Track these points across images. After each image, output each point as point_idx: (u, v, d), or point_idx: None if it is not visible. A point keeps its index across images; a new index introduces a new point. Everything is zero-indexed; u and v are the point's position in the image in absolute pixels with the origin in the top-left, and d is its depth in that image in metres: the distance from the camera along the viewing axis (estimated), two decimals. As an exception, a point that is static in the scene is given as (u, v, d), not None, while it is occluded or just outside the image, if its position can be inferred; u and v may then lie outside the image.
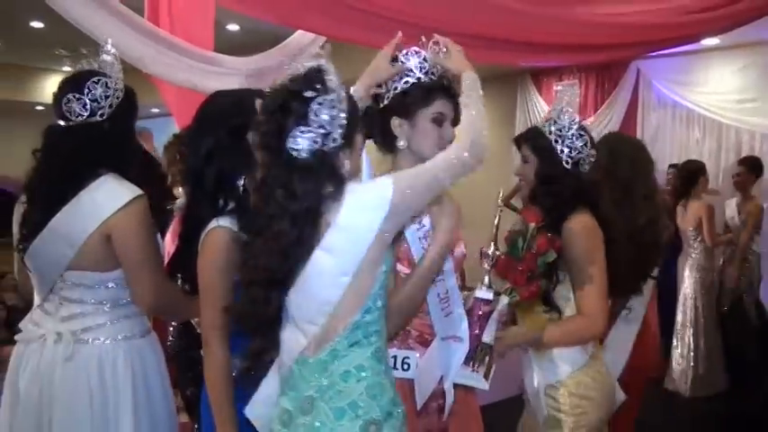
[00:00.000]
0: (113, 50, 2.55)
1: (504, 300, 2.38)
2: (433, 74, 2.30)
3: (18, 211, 2.55)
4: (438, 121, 2.28)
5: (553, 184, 2.58)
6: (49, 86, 13.13)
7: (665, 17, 5.47)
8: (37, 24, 9.46)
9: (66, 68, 12.90)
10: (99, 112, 2.41)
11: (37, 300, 2.54)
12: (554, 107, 2.63)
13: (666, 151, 8.55)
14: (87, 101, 2.39)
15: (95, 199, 2.39)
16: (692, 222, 6.14)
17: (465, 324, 2.35)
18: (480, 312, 2.34)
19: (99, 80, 2.42)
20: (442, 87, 2.29)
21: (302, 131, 1.79)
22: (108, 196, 2.40)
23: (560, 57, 6.20)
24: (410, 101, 2.28)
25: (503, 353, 2.47)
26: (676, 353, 6.30)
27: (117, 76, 2.48)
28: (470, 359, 2.34)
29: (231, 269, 2.15)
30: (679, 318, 6.31)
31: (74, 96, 2.39)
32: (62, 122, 2.44)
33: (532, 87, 9.46)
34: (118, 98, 2.46)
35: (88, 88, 2.39)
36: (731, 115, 8.16)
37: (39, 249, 2.42)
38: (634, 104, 8.86)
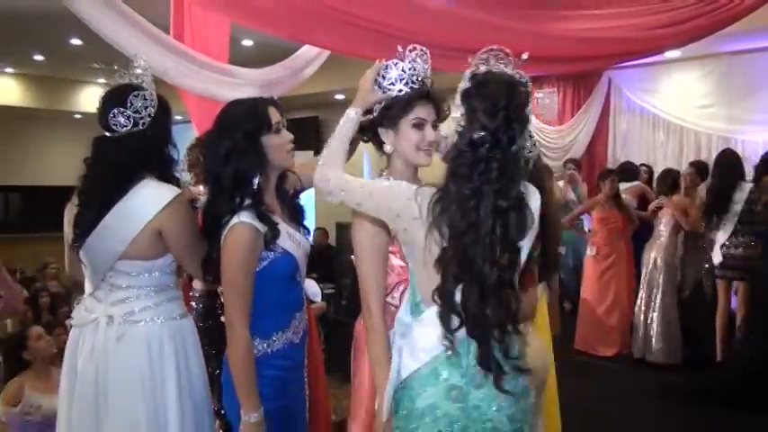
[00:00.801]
0: (144, 63, 2.56)
1: None
2: (413, 81, 2.27)
3: (70, 212, 2.58)
4: (418, 125, 2.25)
5: None
6: (84, 97, 13.14)
7: (632, 32, 5.46)
8: (76, 41, 9.43)
9: (101, 80, 12.91)
10: (141, 122, 2.45)
11: (89, 288, 2.57)
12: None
13: (635, 151, 8.63)
14: (130, 113, 2.43)
15: (142, 199, 2.44)
16: (668, 215, 6.36)
17: None
18: None
19: (138, 93, 2.44)
20: (420, 94, 2.26)
21: None
22: (153, 196, 2.44)
23: (540, 68, 6.18)
24: (393, 113, 2.26)
25: None
26: (639, 322, 6.46)
27: (151, 87, 2.51)
28: None
29: (253, 260, 2.30)
30: (642, 294, 6.46)
31: (118, 111, 2.42)
32: (108, 133, 2.47)
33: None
34: (154, 107, 2.48)
35: (130, 102, 2.42)
36: (691, 120, 8.20)
37: (93, 245, 2.46)
38: (606, 110, 8.88)
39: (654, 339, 6.32)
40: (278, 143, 2.42)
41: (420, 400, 1.97)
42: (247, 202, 2.32)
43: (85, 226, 2.46)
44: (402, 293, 2.29)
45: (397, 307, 2.27)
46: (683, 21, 5.39)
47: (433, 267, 1.94)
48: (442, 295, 1.92)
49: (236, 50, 4.86)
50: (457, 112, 2.03)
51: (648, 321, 6.38)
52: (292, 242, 2.43)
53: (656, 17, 5.44)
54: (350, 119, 2.27)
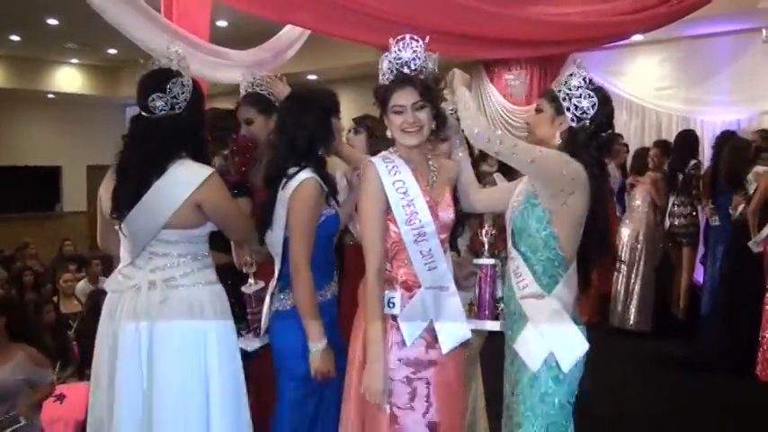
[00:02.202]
0: (178, 50, 2.65)
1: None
2: (397, 70, 2.43)
3: (107, 186, 2.71)
4: (397, 111, 2.42)
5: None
6: (59, 77, 12.96)
7: (598, 17, 5.57)
8: (52, 21, 9.30)
9: (75, 60, 12.76)
10: (177, 107, 2.54)
11: (127, 257, 2.67)
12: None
13: (599, 131, 8.75)
14: (168, 98, 2.52)
15: (181, 177, 2.54)
16: (646, 190, 6.61)
17: (451, 276, 2.49)
18: (489, 275, 2.62)
19: (177, 80, 2.54)
20: (395, 82, 2.42)
21: None
22: (191, 174, 2.55)
23: (512, 51, 6.29)
24: (380, 101, 2.47)
25: None
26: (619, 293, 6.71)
27: (188, 74, 2.60)
28: (485, 313, 2.62)
29: (318, 212, 2.65)
30: (624, 267, 6.69)
31: (158, 95, 2.51)
32: (145, 114, 2.56)
33: (485, 77, 9.51)
34: (190, 93, 2.58)
35: (169, 88, 2.52)
36: (652, 101, 8.43)
37: (135, 219, 2.55)
38: None
39: (633, 309, 6.58)
40: (339, 128, 2.80)
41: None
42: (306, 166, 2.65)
43: (125, 201, 2.55)
44: (396, 255, 2.48)
45: (389, 271, 2.48)
46: (647, 8, 5.52)
47: (580, 226, 2.42)
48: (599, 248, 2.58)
49: (212, 31, 4.88)
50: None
51: (630, 291, 6.61)
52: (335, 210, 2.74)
53: (621, 3, 5.57)
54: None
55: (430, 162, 2.54)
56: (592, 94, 2.41)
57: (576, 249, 2.45)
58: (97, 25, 9.19)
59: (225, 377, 2.60)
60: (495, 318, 2.66)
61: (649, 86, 8.42)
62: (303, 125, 2.64)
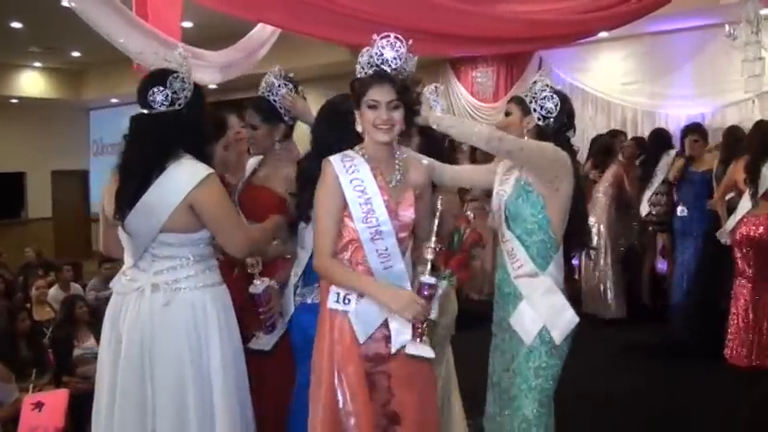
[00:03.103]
0: (183, 51, 2.64)
1: (445, 283, 2.48)
2: (377, 66, 2.43)
3: (109, 189, 2.64)
4: (372, 106, 2.41)
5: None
6: (23, 81, 12.75)
7: (566, 14, 5.65)
8: (16, 24, 9.14)
9: (38, 64, 12.56)
10: (177, 102, 2.51)
11: (130, 260, 2.63)
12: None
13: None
14: (168, 92, 2.49)
15: (178, 176, 2.49)
16: (609, 181, 6.71)
17: (408, 276, 2.47)
18: (426, 294, 2.41)
19: (177, 76, 2.52)
20: (373, 78, 2.42)
21: None
22: (188, 173, 2.50)
23: (481, 48, 6.34)
24: (355, 95, 2.46)
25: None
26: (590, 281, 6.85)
27: (189, 74, 2.57)
28: (417, 334, 2.42)
29: None
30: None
31: (158, 89, 2.48)
32: (145, 111, 2.53)
33: (452, 74, 9.56)
34: (191, 91, 2.56)
35: (170, 82, 2.49)
36: (618, 96, 8.56)
37: (134, 220, 2.52)
38: None
39: (610, 299, 6.70)
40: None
41: None
42: None
43: (126, 201, 2.53)
44: (353, 253, 2.47)
45: (349, 262, 2.48)
46: (607, 6, 5.62)
47: (567, 210, 2.66)
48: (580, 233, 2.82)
49: (177, 32, 4.90)
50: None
51: (599, 281, 6.75)
52: None
53: (582, 2, 5.67)
54: None
55: (397, 161, 2.53)
56: (554, 96, 2.73)
57: (563, 229, 2.69)
58: (61, 28, 9.13)
59: (228, 379, 2.58)
60: (422, 340, 2.49)
61: (614, 82, 8.53)
62: (340, 140, 2.57)
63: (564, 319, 2.65)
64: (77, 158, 15.13)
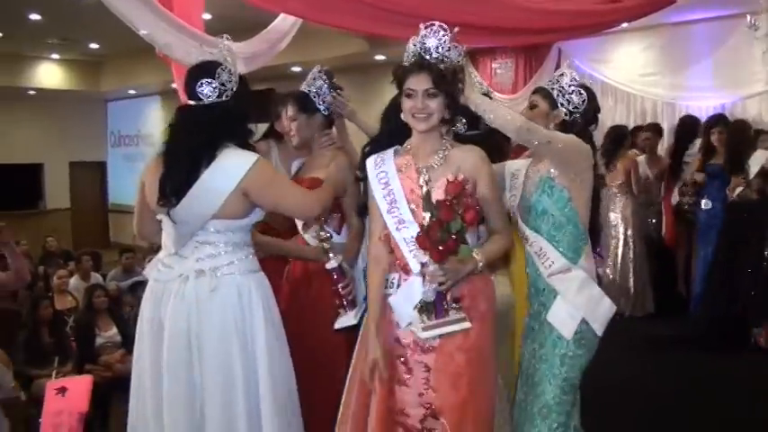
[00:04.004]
0: (227, 43, 2.71)
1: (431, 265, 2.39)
2: (419, 55, 2.47)
3: (151, 175, 2.67)
4: (409, 95, 2.47)
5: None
6: (41, 72, 12.86)
7: (587, 5, 5.65)
8: (34, 16, 9.23)
9: (56, 56, 12.67)
10: (225, 94, 2.58)
11: (171, 248, 2.67)
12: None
13: (584, 116, 8.83)
14: (217, 84, 2.56)
15: (229, 164, 2.57)
16: (621, 175, 6.59)
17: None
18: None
19: (225, 68, 2.58)
20: (412, 67, 2.47)
21: None
22: (238, 161, 2.57)
23: (500, 39, 6.35)
24: (397, 83, 2.52)
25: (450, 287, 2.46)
26: (610, 277, 6.75)
27: (235, 66, 2.64)
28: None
29: None
30: (617, 250, 6.76)
31: (206, 82, 2.55)
32: (193, 102, 2.60)
33: (470, 65, 9.55)
34: (237, 82, 2.62)
35: (218, 74, 2.56)
36: (637, 87, 8.47)
37: (185, 208, 2.56)
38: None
39: (633, 294, 6.69)
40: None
41: None
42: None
43: (173, 188, 2.57)
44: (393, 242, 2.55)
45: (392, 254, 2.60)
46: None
47: (590, 203, 2.70)
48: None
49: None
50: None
51: (629, 278, 6.72)
52: None
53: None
54: None
55: (441, 150, 2.54)
56: (582, 91, 2.74)
57: (587, 222, 2.72)
58: (79, 20, 9.20)
59: (274, 361, 2.64)
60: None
61: (634, 73, 8.45)
62: (399, 128, 2.64)
63: (602, 309, 2.68)
64: (95, 150, 15.28)
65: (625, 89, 8.55)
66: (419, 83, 2.44)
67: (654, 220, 6.92)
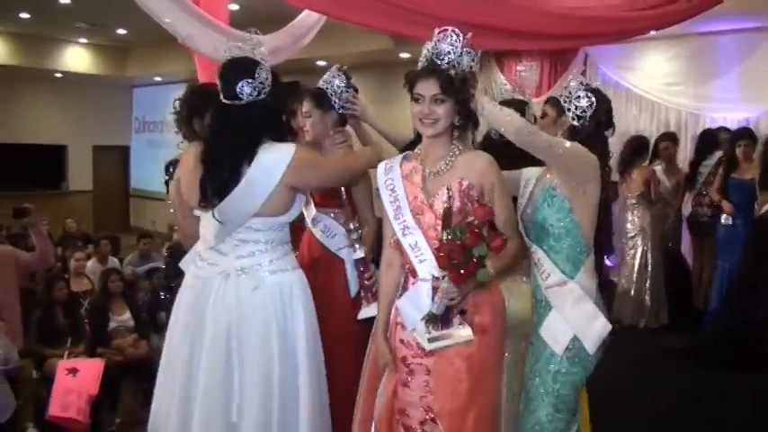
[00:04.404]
0: (258, 40, 2.75)
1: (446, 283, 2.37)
2: (430, 60, 2.49)
3: (189, 174, 2.71)
4: (416, 99, 2.48)
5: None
6: (69, 56, 12.98)
7: (615, 12, 5.63)
8: (63, 0, 9.34)
9: (83, 40, 12.78)
10: (263, 92, 2.61)
11: (211, 240, 2.69)
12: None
13: (609, 124, 8.77)
14: (257, 84, 2.59)
15: (270, 160, 2.60)
16: (639, 186, 6.54)
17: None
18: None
19: (263, 66, 2.62)
20: (421, 72, 2.49)
21: None
22: (279, 155, 2.61)
23: (527, 42, 6.32)
24: (408, 86, 2.52)
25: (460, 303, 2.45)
26: (625, 287, 6.74)
27: (268, 63, 2.67)
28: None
29: None
30: (634, 261, 6.71)
31: (246, 81, 2.57)
32: (228, 101, 2.62)
33: (495, 67, 9.54)
34: (272, 79, 2.65)
35: (258, 73, 2.59)
36: (662, 96, 8.41)
37: (229, 205, 2.60)
38: None
39: (648, 306, 6.65)
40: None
41: None
42: None
43: (215, 188, 2.60)
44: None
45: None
46: (661, 4, 5.58)
47: (596, 214, 2.58)
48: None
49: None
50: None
51: (642, 289, 6.68)
52: None
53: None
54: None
55: (448, 155, 2.52)
56: (589, 94, 2.66)
57: (593, 235, 2.63)
58: (107, 5, 9.28)
59: (312, 359, 2.69)
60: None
61: (659, 82, 8.41)
62: None
63: (595, 328, 2.59)
64: (119, 134, 15.41)
65: (650, 98, 8.50)
66: (427, 88, 2.45)
67: (671, 233, 6.88)
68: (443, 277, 2.34)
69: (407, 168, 2.58)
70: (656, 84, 8.42)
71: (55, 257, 7.33)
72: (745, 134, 6.12)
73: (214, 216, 2.62)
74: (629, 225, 6.72)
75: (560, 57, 9.01)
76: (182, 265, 2.93)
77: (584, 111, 2.64)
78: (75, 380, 4.18)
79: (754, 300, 5.50)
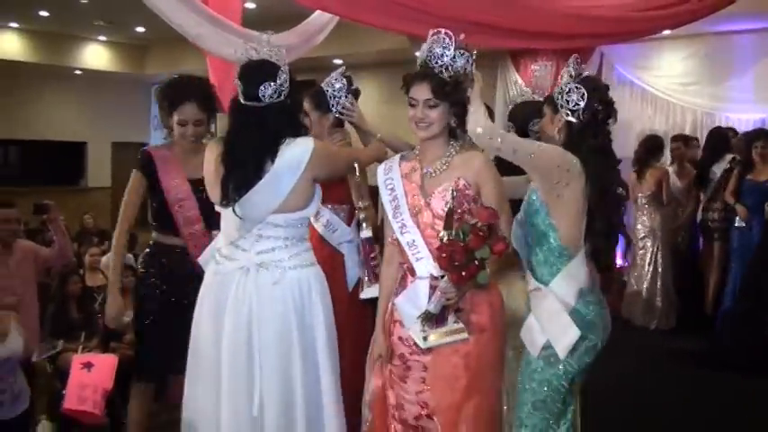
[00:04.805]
0: (273, 41, 2.81)
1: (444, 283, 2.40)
2: (426, 63, 2.55)
3: (214, 173, 2.78)
4: (411, 104, 2.55)
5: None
6: (88, 53, 13.10)
7: (628, 11, 5.62)
8: (83, -1, 9.46)
9: (103, 38, 12.90)
10: (283, 94, 2.68)
11: (233, 234, 2.77)
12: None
13: (623, 124, 8.69)
14: (277, 86, 2.66)
15: (292, 157, 2.68)
16: (651, 186, 6.51)
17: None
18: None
19: (283, 69, 2.69)
20: (414, 76, 2.56)
21: None
22: (301, 148, 2.69)
23: (542, 42, 6.33)
24: (405, 89, 2.59)
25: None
26: (634, 288, 6.75)
27: (285, 62, 2.74)
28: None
29: None
30: (644, 262, 6.73)
31: (268, 84, 2.64)
32: (247, 102, 2.69)
33: (511, 66, 9.52)
34: (289, 82, 2.71)
35: (279, 76, 2.66)
36: (677, 96, 8.42)
37: (250, 201, 2.67)
38: None
39: (659, 309, 6.65)
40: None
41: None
42: None
43: (237, 187, 2.68)
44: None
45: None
46: (674, 4, 5.57)
47: (580, 216, 2.46)
48: (600, 235, 2.55)
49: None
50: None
51: (653, 290, 6.68)
52: None
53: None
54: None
55: (445, 156, 2.58)
56: (579, 86, 2.54)
57: (580, 239, 2.55)
58: (126, 3, 9.36)
59: (332, 354, 2.77)
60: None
61: (674, 81, 8.41)
62: None
63: (567, 336, 2.53)
64: (138, 131, 15.48)
65: (665, 97, 8.49)
66: (420, 92, 2.51)
67: (682, 234, 6.86)
68: (442, 277, 2.37)
69: (406, 168, 2.64)
70: (671, 83, 8.42)
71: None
72: (762, 135, 6.06)
73: (235, 212, 2.68)
74: (639, 226, 6.73)
75: (576, 56, 8.95)
76: (200, 261, 2.99)
77: (576, 104, 2.54)
78: (90, 374, 4.22)
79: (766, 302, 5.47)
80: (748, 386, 5.06)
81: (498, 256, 2.34)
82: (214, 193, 2.78)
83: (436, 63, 2.51)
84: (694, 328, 6.36)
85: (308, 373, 2.70)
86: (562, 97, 2.57)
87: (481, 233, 2.29)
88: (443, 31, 2.52)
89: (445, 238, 2.34)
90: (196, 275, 2.98)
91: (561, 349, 2.53)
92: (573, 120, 2.56)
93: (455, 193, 2.46)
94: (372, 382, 2.73)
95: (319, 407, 2.72)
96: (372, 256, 3.04)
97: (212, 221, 3.06)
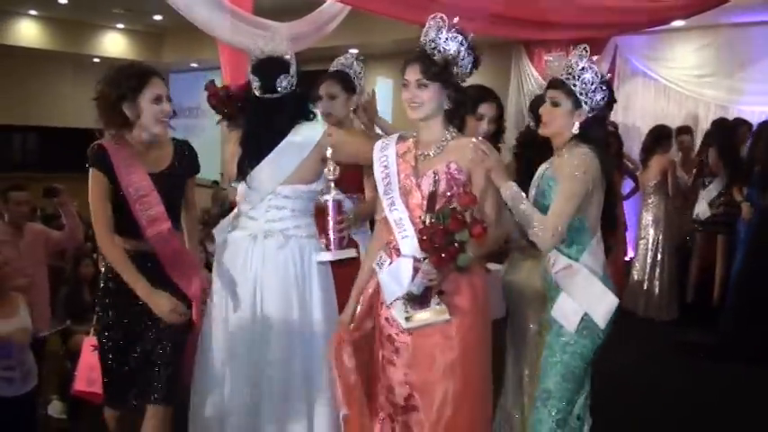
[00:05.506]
0: (281, 35, 3.06)
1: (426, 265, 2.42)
2: (422, 45, 2.59)
3: (235, 160, 2.98)
4: (404, 85, 2.62)
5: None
6: (106, 41, 13.19)
7: (641, 1, 5.60)
8: (101, -14, 9.52)
9: (121, 25, 12.98)
10: (294, 84, 2.91)
11: (246, 204, 3.00)
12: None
13: (637, 115, 8.75)
14: (290, 77, 2.89)
15: (303, 135, 2.93)
16: (657, 175, 6.48)
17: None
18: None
19: (293, 61, 2.91)
20: (408, 58, 2.61)
21: None
22: (311, 131, 2.94)
23: (556, 32, 6.33)
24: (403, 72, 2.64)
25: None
26: (637, 278, 6.72)
27: (293, 53, 2.94)
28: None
29: None
30: (646, 252, 6.70)
31: (284, 76, 2.87)
32: (264, 95, 2.90)
33: (524, 56, 9.50)
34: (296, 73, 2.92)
35: (291, 68, 2.89)
36: (691, 88, 8.35)
37: (264, 170, 2.91)
38: (611, 74, 8.79)
39: (658, 299, 6.63)
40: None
41: None
42: None
43: (252, 158, 2.92)
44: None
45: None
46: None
47: (601, 200, 2.67)
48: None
49: (253, 1, 5.01)
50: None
51: (654, 280, 6.66)
52: None
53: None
54: None
55: (440, 140, 2.62)
56: (604, 88, 2.68)
57: (599, 219, 2.71)
58: (143, -9, 9.33)
59: (328, 318, 2.96)
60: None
61: (688, 73, 8.35)
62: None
63: (604, 303, 2.66)
64: (154, 119, 15.59)
65: (678, 89, 8.43)
66: (411, 73, 2.57)
67: (694, 224, 6.78)
68: (425, 259, 2.41)
69: (402, 148, 2.69)
70: (684, 75, 8.36)
71: (85, 237, 7.53)
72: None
73: (246, 183, 2.92)
74: (643, 213, 6.73)
75: (590, 47, 8.91)
76: (215, 231, 3.17)
77: (597, 104, 2.67)
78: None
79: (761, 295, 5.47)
80: (752, 377, 5.06)
81: (477, 240, 2.35)
82: (231, 169, 2.99)
83: (429, 45, 2.56)
84: (699, 320, 6.32)
85: (304, 326, 2.92)
86: (587, 95, 2.65)
87: (460, 216, 2.33)
88: (439, 15, 2.57)
89: (427, 221, 2.39)
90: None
91: (600, 318, 2.65)
92: (589, 116, 2.69)
93: (437, 177, 2.52)
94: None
95: (319, 367, 2.89)
96: (336, 221, 2.94)
97: (178, 223, 3.05)
